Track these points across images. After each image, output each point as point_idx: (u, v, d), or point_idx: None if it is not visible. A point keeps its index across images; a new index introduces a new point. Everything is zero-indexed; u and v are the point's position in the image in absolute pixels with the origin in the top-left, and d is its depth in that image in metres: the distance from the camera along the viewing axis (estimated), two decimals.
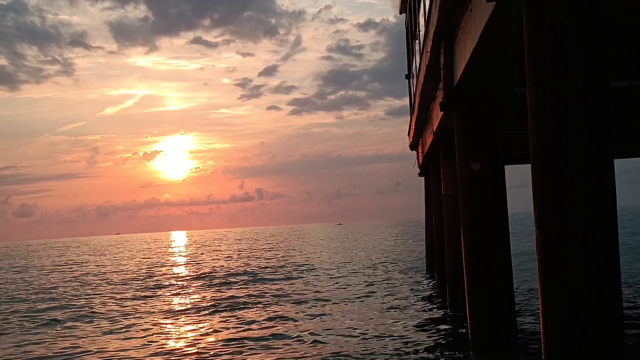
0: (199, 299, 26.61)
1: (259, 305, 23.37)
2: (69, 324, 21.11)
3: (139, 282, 36.75)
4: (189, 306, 24.51)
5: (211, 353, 15.10)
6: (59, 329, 20.20)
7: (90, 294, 30.81)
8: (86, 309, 24.88)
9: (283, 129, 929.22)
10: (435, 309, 20.04)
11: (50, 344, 17.50)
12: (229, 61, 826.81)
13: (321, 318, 19.73)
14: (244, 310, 22.18)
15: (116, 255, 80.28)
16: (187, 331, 18.69)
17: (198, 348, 15.81)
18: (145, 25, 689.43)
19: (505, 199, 11.77)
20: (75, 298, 29.38)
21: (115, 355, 15.31)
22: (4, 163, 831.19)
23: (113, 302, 26.67)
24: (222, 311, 22.40)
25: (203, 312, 22.44)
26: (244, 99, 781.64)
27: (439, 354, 13.64)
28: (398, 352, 13.99)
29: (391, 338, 15.69)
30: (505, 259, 11.65)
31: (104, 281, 38.60)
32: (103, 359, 15.11)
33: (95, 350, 16.11)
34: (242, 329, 18.30)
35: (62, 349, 16.58)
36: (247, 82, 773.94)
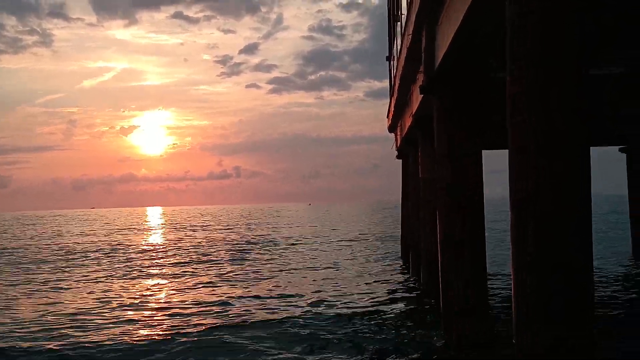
0: None
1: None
2: None
3: None
4: None
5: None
6: None
7: None
8: None
9: (262, 107, 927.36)
10: (408, 294, 20.18)
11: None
12: (210, 37, 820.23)
13: (293, 297, 19.78)
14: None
15: None
16: None
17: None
18: None
19: (482, 183, 11.83)
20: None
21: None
22: None
23: None
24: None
25: None
26: (223, 76, 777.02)
27: (410, 340, 13.71)
28: (368, 336, 14.02)
29: (361, 322, 15.72)
30: (480, 244, 11.73)
31: None
32: None
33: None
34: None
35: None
36: (228, 59, 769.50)
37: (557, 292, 5.62)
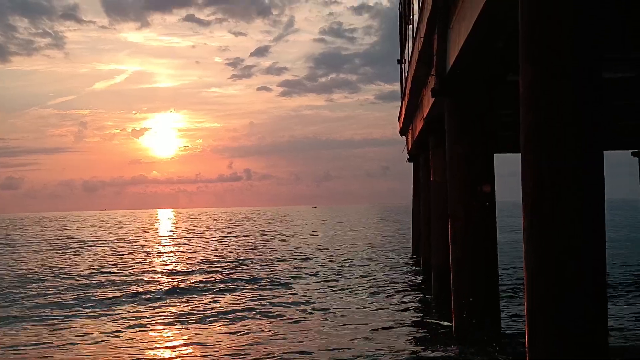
0: None
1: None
2: None
3: None
4: None
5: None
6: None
7: None
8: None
9: (273, 110, 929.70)
10: (420, 297, 20.10)
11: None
12: (221, 40, 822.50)
13: (297, 304, 19.68)
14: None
15: None
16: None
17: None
18: (137, 1, 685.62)
19: (493, 187, 11.77)
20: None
21: None
22: None
23: None
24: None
25: None
26: (235, 78, 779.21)
27: (421, 342, 13.63)
28: (379, 340, 13.96)
29: (372, 325, 15.66)
30: (492, 247, 11.66)
31: None
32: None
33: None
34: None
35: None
36: (239, 62, 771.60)
37: (560, 306, 5.66)
